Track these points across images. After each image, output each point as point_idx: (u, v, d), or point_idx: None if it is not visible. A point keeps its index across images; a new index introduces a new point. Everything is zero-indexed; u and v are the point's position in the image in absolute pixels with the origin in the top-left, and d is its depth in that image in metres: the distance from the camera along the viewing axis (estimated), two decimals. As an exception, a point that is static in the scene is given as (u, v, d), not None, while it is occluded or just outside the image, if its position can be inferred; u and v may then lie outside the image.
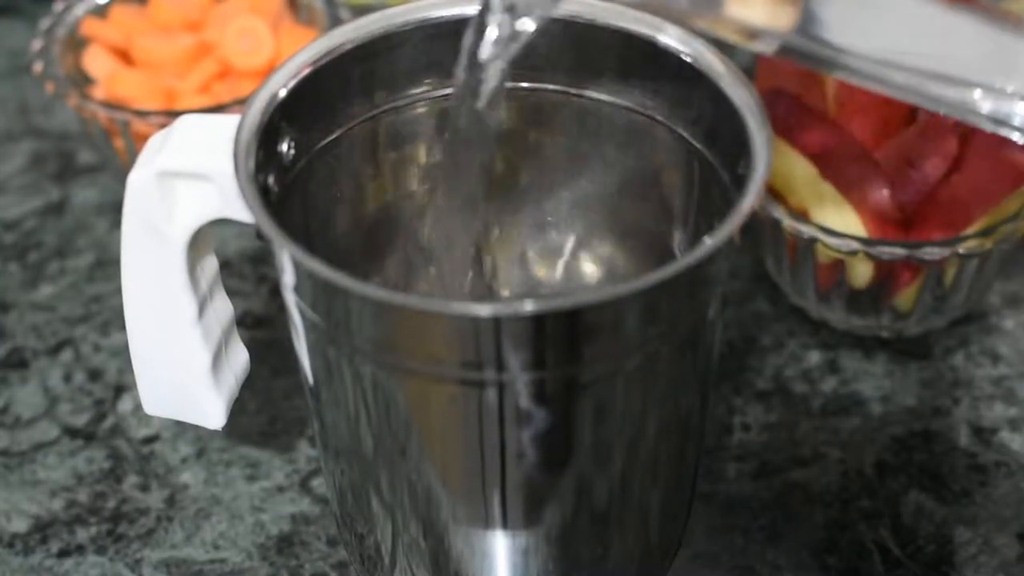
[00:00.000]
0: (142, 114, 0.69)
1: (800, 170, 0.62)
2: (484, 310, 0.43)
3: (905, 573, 0.57)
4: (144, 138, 0.67)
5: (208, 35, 0.73)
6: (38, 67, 0.71)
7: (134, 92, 0.72)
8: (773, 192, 0.63)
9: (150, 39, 0.73)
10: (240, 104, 0.68)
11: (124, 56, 0.74)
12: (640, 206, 0.54)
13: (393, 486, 0.49)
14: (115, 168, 0.73)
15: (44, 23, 0.73)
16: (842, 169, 0.61)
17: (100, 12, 0.75)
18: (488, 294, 0.57)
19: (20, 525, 0.59)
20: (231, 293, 0.57)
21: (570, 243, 0.57)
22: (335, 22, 0.74)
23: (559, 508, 0.49)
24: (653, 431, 0.48)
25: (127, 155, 0.71)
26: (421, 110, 0.53)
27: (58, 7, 0.74)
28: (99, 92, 0.73)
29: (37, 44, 0.72)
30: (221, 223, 0.49)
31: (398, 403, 0.46)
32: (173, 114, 0.68)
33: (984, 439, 0.62)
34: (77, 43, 0.74)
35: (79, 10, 0.74)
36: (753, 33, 0.45)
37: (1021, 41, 0.45)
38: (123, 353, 0.65)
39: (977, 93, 0.45)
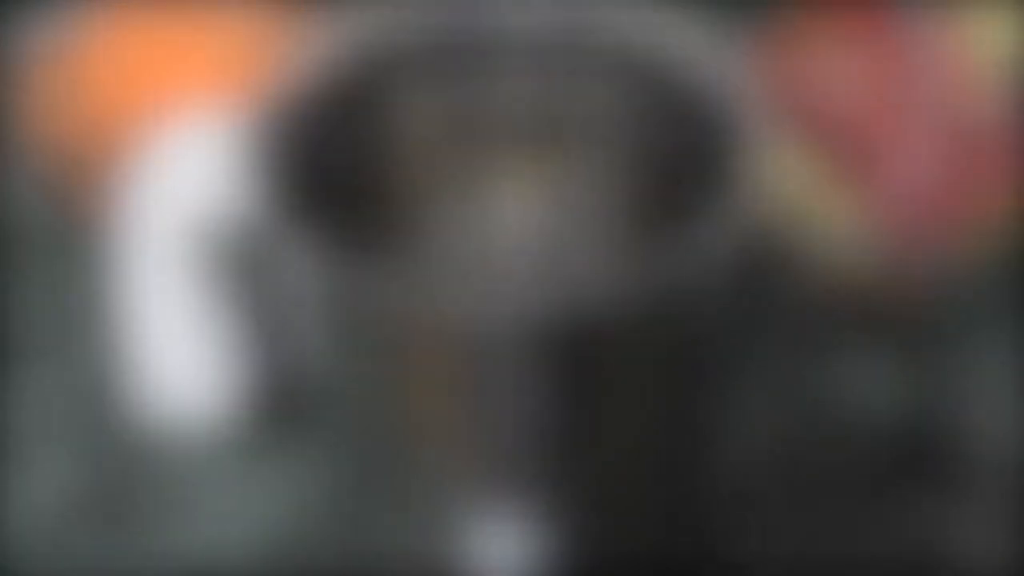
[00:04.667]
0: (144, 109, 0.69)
1: (800, 166, 0.62)
2: (485, 302, 0.43)
3: (903, 570, 0.57)
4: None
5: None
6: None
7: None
8: (773, 189, 0.63)
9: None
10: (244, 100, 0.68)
11: (126, 52, 0.74)
12: (640, 198, 0.55)
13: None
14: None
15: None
16: (842, 166, 0.61)
17: (102, 8, 0.75)
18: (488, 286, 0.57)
19: (20, 519, 0.59)
20: (233, 287, 0.57)
21: (570, 236, 0.57)
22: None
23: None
24: (651, 428, 0.48)
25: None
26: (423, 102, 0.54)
27: (61, 3, 0.74)
28: (101, 88, 0.73)
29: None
30: (222, 218, 0.49)
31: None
32: (175, 110, 0.68)
33: (984, 436, 0.62)
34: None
35: (82, 6, 0.74)
36: None
37: None
38: (124, 349, 0.66)
39: None
